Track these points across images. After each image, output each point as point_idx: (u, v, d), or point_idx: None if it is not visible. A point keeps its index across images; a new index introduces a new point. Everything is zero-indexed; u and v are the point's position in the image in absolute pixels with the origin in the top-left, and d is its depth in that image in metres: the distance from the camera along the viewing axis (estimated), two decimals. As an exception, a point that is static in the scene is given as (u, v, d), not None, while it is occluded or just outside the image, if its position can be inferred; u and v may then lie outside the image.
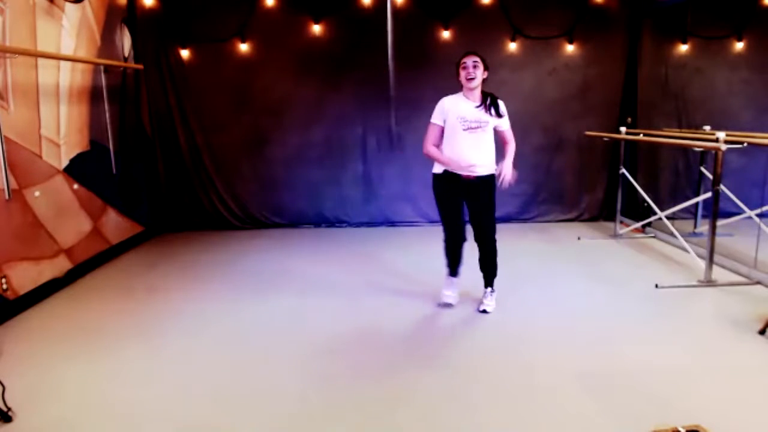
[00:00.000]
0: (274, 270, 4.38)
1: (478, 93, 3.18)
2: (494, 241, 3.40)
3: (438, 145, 3.22)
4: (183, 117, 5.55)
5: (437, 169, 3.28)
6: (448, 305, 3.45)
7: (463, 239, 3.41)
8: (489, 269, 3.45)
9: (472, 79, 3.11)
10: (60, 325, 3.32)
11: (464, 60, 3.14)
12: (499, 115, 3.22)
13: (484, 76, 3.17)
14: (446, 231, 3.40)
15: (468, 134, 3.16)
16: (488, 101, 3.20)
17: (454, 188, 3.26)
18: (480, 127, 3.17)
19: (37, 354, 2.93)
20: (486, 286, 3.50)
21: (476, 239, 3.38)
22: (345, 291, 3.69)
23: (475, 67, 3.11)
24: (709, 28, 5.48)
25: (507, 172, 3.21)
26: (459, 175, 3.19)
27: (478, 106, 3.17)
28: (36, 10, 3.73)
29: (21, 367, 2.77)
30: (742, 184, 4.73)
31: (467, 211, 3.34)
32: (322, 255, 4.70)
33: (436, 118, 3.23)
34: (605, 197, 5.88)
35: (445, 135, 3.23)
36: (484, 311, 3.40)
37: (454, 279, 3.53)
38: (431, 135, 3.23)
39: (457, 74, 3.17)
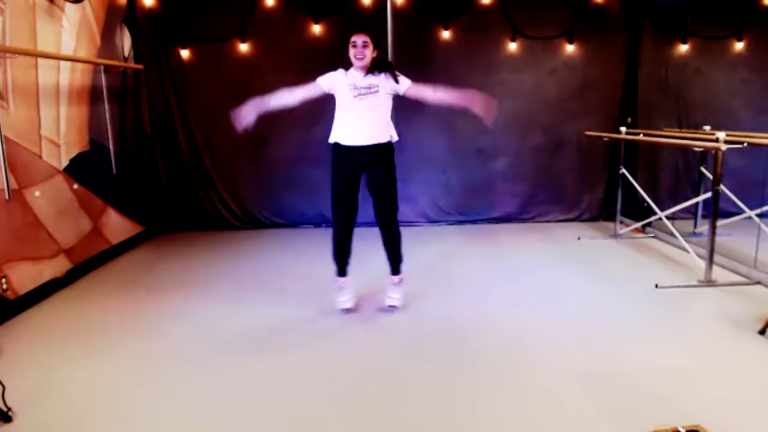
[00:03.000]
0: (274, 270, 4.38)
1: (366, 70, 3.14)
2: (395, 218, 3.26)
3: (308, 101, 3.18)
4: (183, 117, 5.55)
5: (335, 137, 3.19)
6: (349, 310, 3.33)
7: (351, 223, 3.27)
8: (392, 252, 3.33)
9: (361, 58, 3.08)
10: (60, 325, 3.32)
11: (354, 39, 3.09)
12: (394, 79, 3.13)
13: (374, 55, 3.13)
14: (332, 208, 3.26)
15: (360, 101, 3.11)
16: (379, 68, 3.13)
17: (351, 161, 3.17)
18: (371, 92, 3.11)
19: (37, 354, 2.93)
20: (393, 274, 3.37)
21: (377, 218, 3.28)
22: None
23: (364, 46, 3.07)
24: (709, 28, 5.48)
25: (477, 100, 3.06)
26: (357, 148, 3.12)
27: (367, 73, 3.12)
28: (36, 10, 3.73)
29: (21, 367, 2.77)
30: (742, 184, 4.73)
31: (369, 191, 3.24)
32: (322, 255, 4.69)
33: (322, 78, 3.15)
34: (605, 197, 5.88)
35: (337, 105, 3.18)
36: (392, 307, 3.30)
37: (343, 280, 3.37)
38: (303, 85, 3.14)
39: (347, 51, 3.12)
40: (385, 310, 3.41)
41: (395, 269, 3.41)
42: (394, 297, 3.39)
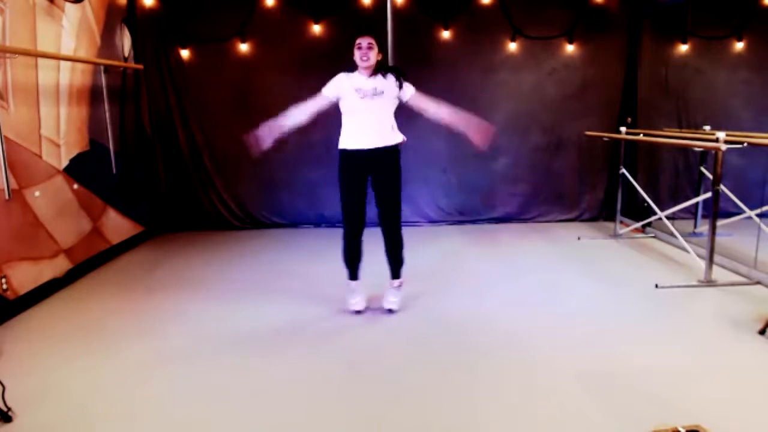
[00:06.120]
0: (274, 270, 4.38)
1: (371, 71, 3.16)
2: (399, 223, 3.30)
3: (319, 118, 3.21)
4: (183, 117, 5.55)
5: (343, 144, 3.21)
6: (358, 312, 3.36)
7: (361, 228, 3.29)
8: (393, 256, 3.35)
9: (366, 60, 3.11)
10: (60, 325, 3.32)
11: (359, 41, 3.12)
12: (399, 84, 3.16)
13: (379, 58, 3.16)
14: (343, 215, 3.28)
15: (366, 102, 3.12)
16: (383, 71, 3.17)
17: (357, 166, 3.19)
18: (377, 95, 3.13)
19: (37, 354, 2.93)
20: (393, 278, 3.40)
21: (380, 221, 3.30)
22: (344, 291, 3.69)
23: (369, 48, 3.10)
24: (709, 28, 5.48)
25: (474, 127, 3.12)
26: (364, 152, 3.15)
27: (373, 75, 3.15)
28: (36, 10, 3.73)
29: (21, 367, 2.77)
30: (742, 184, 4.73)
31: (374, 193, 3.27)
32: (322, 255, 4.70)
33: (326, 89, 3.18)
34: (605, 197, 5.88)
35: (343, 110, 3.20)
36: (390, 310, 3.33)
37: (355, 283, 3.41)
38: (310, 99, 3.19)
39: (352, 54, 3.14)
40: (384, 312, 3.41)
41: (395, 273, 3.42)
42: (392, 300, 3.40)
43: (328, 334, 3.16)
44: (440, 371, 2.69)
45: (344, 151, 3.22)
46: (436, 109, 3.19)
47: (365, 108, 3.14)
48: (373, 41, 3.12)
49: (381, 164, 3.21)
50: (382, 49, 3.21)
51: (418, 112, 3.26)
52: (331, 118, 3.31)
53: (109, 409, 2.40)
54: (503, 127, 5.68)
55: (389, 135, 3.20)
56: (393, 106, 3.22)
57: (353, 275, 3.42)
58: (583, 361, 2.74)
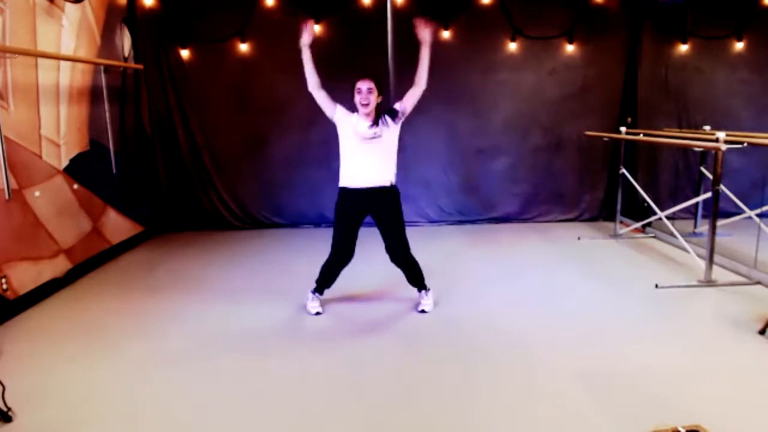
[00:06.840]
0: (274, 270, 4.38)
1: (372, 115, 3.16)
2: (410, 255, 3.36)
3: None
4: (183, 117, 5.55)
5: (344, 182, 3.24)
6: (318, 314, 3.42)
7: (348, 261, 3.37)
8: (415, 281, 3.44)
9: (367, 104, 3.10)
10: (60, 325, 3.33)
11: (359, 85, 3.10)
12: (393, 117, 3.17)
13: (378, 100, 3.15)
14: (334, 248, 3.35)
15: (365, 145, 3.15)
16: (382, 115, 3.16)
17: (357, 204, 3.23)
18: (375, 138, 3.14)
19: (37, 354, 2.93)
20: (419, 291, 3.48)
21: (391, 257, 3.35)
22: (345, 291, 3.69)
23: (369, 92, 3.09)
24: (709, 28, 5.49)
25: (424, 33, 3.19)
26: (364, 190, 3.18)
27: (372, 125, 3.14)
28: (36, 10, 3.73)
29: (21, 367, 2.77)
30: (742, 184, 4.73)
31: (379, 231, 3.32)
32: (322, 255, 4.68)
33: (339, 108, 3.18)
34: (605, 197, 5.89)
35: (342, 147, 3.22)
36: (423, 311, 3.40)
37: (317, 295, 3.48)
38: (324, 93, 3.17)
39: (352, 96, 3.13)
40: (384, 312, 3.43)
41: (421, 288, 3.47)
42: (425, 303, 3.44)
43: (327, 334, 3.16)
44: (440, 371, 2.69)
45: (345, 189, 3.25)
46: (420, 76, 3.19)
47: (364, 150, 3.16)
48: (373, 85, 3.10)
49: (381, 202, 3.23)
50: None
51: (419, 107, 3.27)
52: (330, 118, 3.31)
53: (109, 409, 2.40)
54: (503, 127, 5.69)
55: (386, 176, 3.21)
56: (393, 142, 3.23)
57: (321, 292, 3.50)
58: (583, 361, 2.74)
